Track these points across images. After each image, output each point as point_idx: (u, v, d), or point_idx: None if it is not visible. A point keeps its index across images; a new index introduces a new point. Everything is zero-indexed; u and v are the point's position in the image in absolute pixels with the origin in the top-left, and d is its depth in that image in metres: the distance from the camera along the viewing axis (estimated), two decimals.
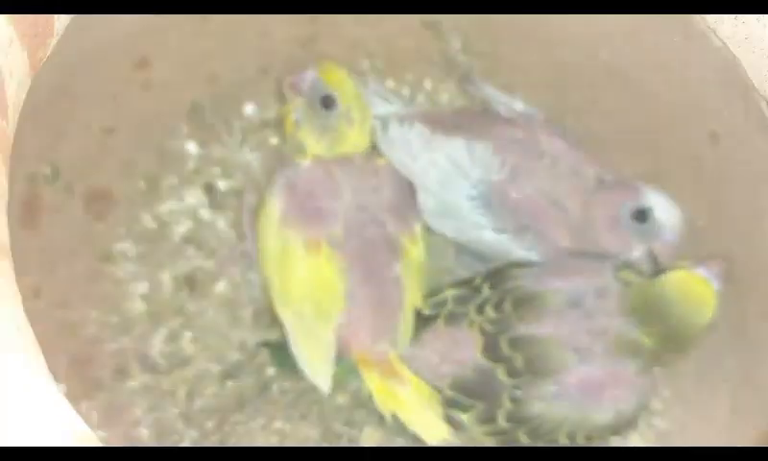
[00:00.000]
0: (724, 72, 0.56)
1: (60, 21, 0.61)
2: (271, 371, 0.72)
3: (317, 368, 0.66)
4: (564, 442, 0.64)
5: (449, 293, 0.68)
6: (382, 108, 0.72)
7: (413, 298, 0.68)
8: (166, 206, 0.74)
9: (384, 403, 0.63)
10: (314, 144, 0.68)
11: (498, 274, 0.68)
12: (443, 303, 0.68)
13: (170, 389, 0.70)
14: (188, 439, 0.68)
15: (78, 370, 0.68)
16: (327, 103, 0.67)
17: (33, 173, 0.64)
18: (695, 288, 0.61)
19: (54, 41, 0.52)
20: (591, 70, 0.70)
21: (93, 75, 0.64)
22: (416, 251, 0.69)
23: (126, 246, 0.72)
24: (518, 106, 0.72)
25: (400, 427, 0.65)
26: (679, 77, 0.63)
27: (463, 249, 0.75)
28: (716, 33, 0.54)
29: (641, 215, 0.66)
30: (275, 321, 0.69)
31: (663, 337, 0.62)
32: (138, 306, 0.71)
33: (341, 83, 0.67)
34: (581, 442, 0.64)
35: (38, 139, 0.62)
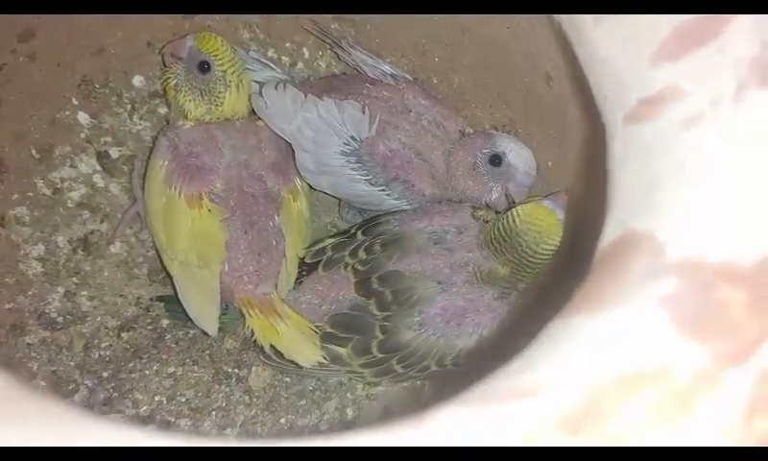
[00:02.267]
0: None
1: None
2: (165, 322, 0.76)
3: (204, 314, 0.69)
4: (434, 368, 0.69)
5: (328, 242, 0.74)
6: (263, 75, 0.77)
7: (294, 247, 0.72)
8: (59, 174, 0.77)
9: (263, 337, 0.68)
10: (194, 108, 0.71)
11: (371, 221, 0.73)
12: (322, 252, 0.73)
13: (67, 343, 0.74)
14: (84, 388, 0.72)
15: None
16: (203, 68, 0.70)
17: None
18: (542, 218, 0.65)
19: None
20: (449, 31, 0.74)
21: None
22: (297, 205, 0.74)
23: (21, 211, 0.75)
24: (386, 68, 0.76)
25: (283, 364, 0.69)
26: (518, 26, 0.66)
27: (345, 205, 0.80)
28: None
29: (496, 159, 0.72)
30: (169, 277, 0.72)
31: (516, 265, 0.67)
32: (34, 268, 0.75)
33: (216, 49, 0.70)
34: (450, 367, 0.69)
35: None
